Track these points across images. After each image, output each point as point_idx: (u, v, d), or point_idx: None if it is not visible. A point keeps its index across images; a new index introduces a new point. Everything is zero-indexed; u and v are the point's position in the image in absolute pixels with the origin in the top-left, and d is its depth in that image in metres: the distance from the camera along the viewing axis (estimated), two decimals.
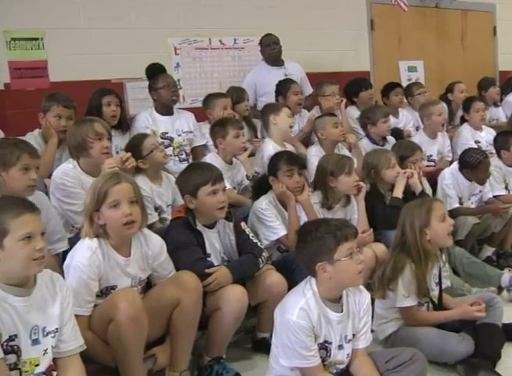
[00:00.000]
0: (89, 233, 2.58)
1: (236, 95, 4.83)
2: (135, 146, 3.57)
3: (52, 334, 2.17)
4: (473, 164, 4.30)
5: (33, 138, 3.71)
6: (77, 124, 3.40)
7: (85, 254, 2.53)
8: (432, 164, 5.07)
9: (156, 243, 2.77)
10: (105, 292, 2.60)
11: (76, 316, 2.38)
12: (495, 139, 4.82)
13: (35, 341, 2.13)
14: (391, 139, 4.86)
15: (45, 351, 2.14)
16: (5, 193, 2.88)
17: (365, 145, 4.78)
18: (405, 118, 5.58)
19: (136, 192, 2.62)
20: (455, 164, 4.52)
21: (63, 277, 2.44)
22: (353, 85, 5.49)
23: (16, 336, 2.07)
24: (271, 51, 5.41)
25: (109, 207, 2.55)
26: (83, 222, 2.87)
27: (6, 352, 2.05)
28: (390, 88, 5.63)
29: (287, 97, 4.95)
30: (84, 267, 2.51)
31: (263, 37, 5.46)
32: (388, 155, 3.97)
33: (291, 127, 4.52)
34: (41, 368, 2.13)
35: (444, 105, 5.44)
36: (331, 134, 4.44)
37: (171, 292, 2.65)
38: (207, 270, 2.85)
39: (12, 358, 2.07)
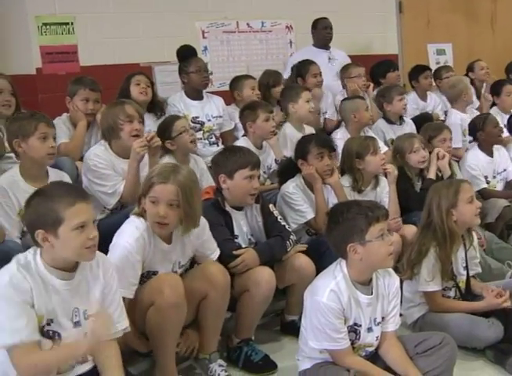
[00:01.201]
0: (137, 211, 2.61)
1: (272, 79, 4.81)
2: (165, 126, 3.61)
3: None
4: (481, 124, 4.39)
5: (61, 122, 3.74)
6: (109, 106, 3.43)
7: (134, 234, 2.54)
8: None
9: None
10: (146, 276, 2.62)
11: None
12: (509, 121, 4.87)
13: (77, 324, 2.14)
14: (409, 121, 4.83)
15: (86, 334, 2.13)
16: (25, 165, 2.98)
17: (382, 125, 4.74)
18: (434, 101, 5.52)
19: (181, 195, 2.52)
20: (474, 145, 4.54)
21: None
22: (380, 67, 5.47)
23: (52, 320, 2.08)
24: (327, 34, 5.44)
25: (150, 201, 2.56)
26: (113, 203, 2.94)
27: (45, 337, 2.06)
28: (419, 71, 5.56)
29: (306, 79, 4.92)
30: (131, 247, 2.50)
31: (319, 20, 5.47)
32: (412, 139, 3.95)
33: (311, 111, 4.41)
34: None
35: None
36: (363, 117, 4.40)
37: (198, 284, 2.64)
38: (234, 252, 2.88)
39: (47, 343, 2.07)
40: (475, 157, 4.43)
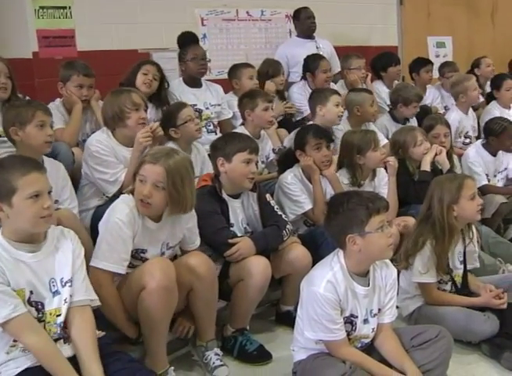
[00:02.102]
0: (129, 189, 2.65)
1: (272, 69, 4.80)
2: (171, 114, 3.59)
3: (69, 283, 2.21)
4: (498, 131, 4.31)
5: (55, 108, 3.67)
6: (114, 94, 3.36)
7: (124, 210, 2.55)
8: (468, 140, 5.02)
9: None
10: (134, 255, 2.61)
11: (112, 272, 2.50)
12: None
13: (56, 293, 2.17)
14: (413, 120, 4.79)
15: (65, 300, 2.19)
16: (22, 152, 2.92)
17: (387, 122, 4.72)
18: (432, 95, 5.53)
19: (167, 179, 2.52)
20: (478, 142, 4.50)
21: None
22: (382, 60, 5.41)
23: (31, 292, 2.12)
24: (311, 24, 5.39)
25: (138, 179, 2.58)
26: (114, 191, 2.93)
27: (31, 307, 2.11)
28: (421, 64, 5.55)
29: (316, 75, 4.89)
30: (122, 223, 2.52)
31: (301, 10, 5.41)
32: (415, 132, 3.93)
33: (340, 116, 4.19)
34: (62, 318, 2.18)
35: None
36: (367, 112, 4.36)
37: (182, 277, 2.61)
38: (230, 241, 2.87)
39: (34, 313, 2.12)
40: (477, 155, 4.39)
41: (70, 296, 2.21)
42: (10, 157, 2.32)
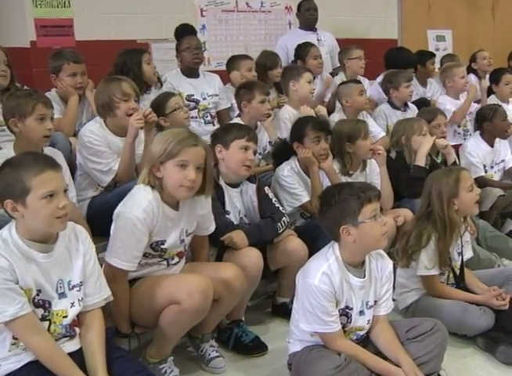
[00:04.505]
0: (145, 181, 2.51)
1: (270, 61, 4.78)
2: (159, 103, 3.59)
3: (78, 288, 2.19)
4: (490, 114, 4.35)
5: (51, 98, 3.56)
6: (105, 82, 3.34)
7: (141, 204, 2.44)
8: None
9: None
10: (154, 247, 2.55)
11: (122, 270, 2.45)
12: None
13: (62, 295, 2.15)
14: (413, 107, 4.80)
15: (72, 304, 2.17)
16: (20, 144, 2.91)
17: (386, 110, 4.72)
18: (433, 88, 5.51)
19: (208, 160, 2.52)
20: (477, 133, 4.52)
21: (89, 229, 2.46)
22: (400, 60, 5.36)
23: (40, 291, 2.10)
24: (310, 16, 5.40)
25: (176, 165, 2.45)
26: (108, 181, 2.89)
27: (36, 306, 2.09)
28: (426, 56, 5.54)
29: (306, 61, 4.91)
30: (137, 221, 2.42)
31: (303, 2, 5.43)
32: (421, 123, 3.93)
33: (312, 93, 4.38)
34: (69, 320, 2.17)
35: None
36: (356, 102, 4.38)
37: (215, 288, 2.51)
38: (221, 238, 2.86)
39: (39, 312, 2.10)
40: (476, 145, 4.41)
41: (79, 300, 2.19)
42: (23, 155, 2.23)
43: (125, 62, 4.01)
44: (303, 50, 4.96)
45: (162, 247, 2.57)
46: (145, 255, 2.55)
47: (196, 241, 2.78)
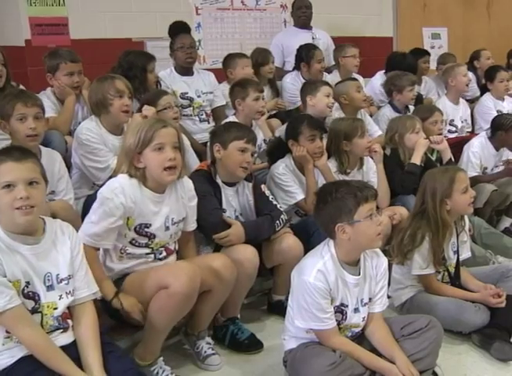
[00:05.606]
0: (123, 172, 2.55)
1: (261, 57, 4.79)
2: (151, 100, 3.58)
3: (66, 281, 2.20)
4: (507, 125, 4.28)
5: (46, 97, 3.63)
6: (98, 80, 3.35)
7: (110, 186, 2.51)
8: (454, 128, 5.04)
9: (189, 186, 2.75)
10: (138, 231, 2.57)
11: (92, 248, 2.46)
12: None
13: (50, 287, 2.17)
14: (413, 109, 4.79)
15: (60, 296, 2.19)
16: (14, 144, 2.85)
17: (388, 112, 4.70)
18: (428, 86, 5.52)
19: (180, 139, 2.57)
20: (484, 133, 4.49)
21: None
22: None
23: (28, 283, 2.12)
24: (301, 14, 5.40)
25: (153, 150, 2.49)
26: (105, 178, 2.89)
27: (26, 298, 2.11)
28: (419, 55, 5.53)
29: (311, 64, 4.87)
30: (106, 200, 2.47)
31: (295, 0, 5.43)
32: (413, 120, 3.93)
33: (330, 107, 4.15)
34: (59, 312, 2.18)
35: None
36: (354, 99, 4.36)
37: (206, 278, 2.56)
38: (225, 220, 2.87)
39: (29, 303, 2.12)
40: (482, 146, 4.36)
41: (67, 293, 2.20)
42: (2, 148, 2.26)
43: (131, 67, 3.97)
44: (306, 53, 4.90)
45: (147, 230, 2.59)
46: (131, 243, 2.58)
47: (182, 237, 2.79)
